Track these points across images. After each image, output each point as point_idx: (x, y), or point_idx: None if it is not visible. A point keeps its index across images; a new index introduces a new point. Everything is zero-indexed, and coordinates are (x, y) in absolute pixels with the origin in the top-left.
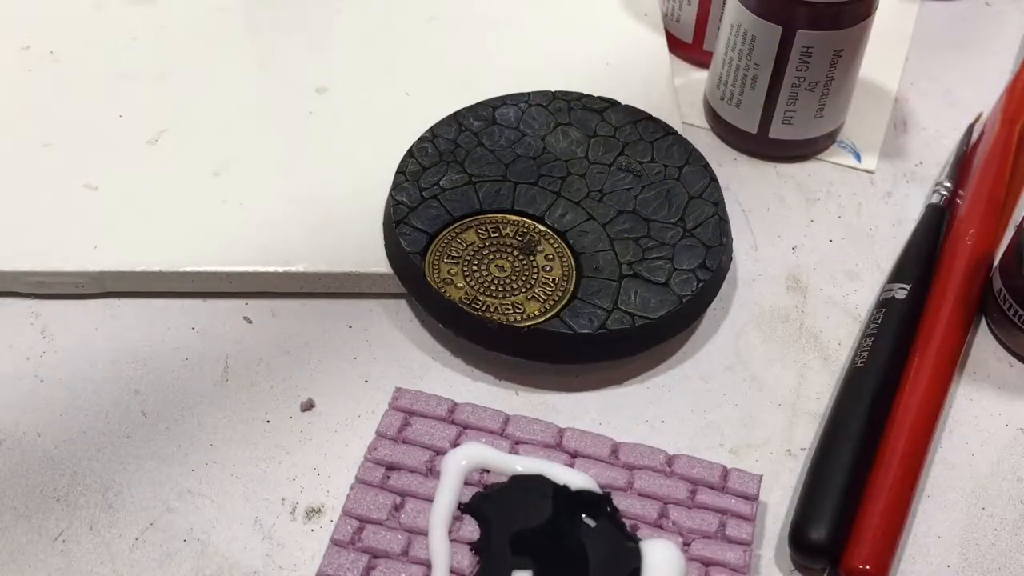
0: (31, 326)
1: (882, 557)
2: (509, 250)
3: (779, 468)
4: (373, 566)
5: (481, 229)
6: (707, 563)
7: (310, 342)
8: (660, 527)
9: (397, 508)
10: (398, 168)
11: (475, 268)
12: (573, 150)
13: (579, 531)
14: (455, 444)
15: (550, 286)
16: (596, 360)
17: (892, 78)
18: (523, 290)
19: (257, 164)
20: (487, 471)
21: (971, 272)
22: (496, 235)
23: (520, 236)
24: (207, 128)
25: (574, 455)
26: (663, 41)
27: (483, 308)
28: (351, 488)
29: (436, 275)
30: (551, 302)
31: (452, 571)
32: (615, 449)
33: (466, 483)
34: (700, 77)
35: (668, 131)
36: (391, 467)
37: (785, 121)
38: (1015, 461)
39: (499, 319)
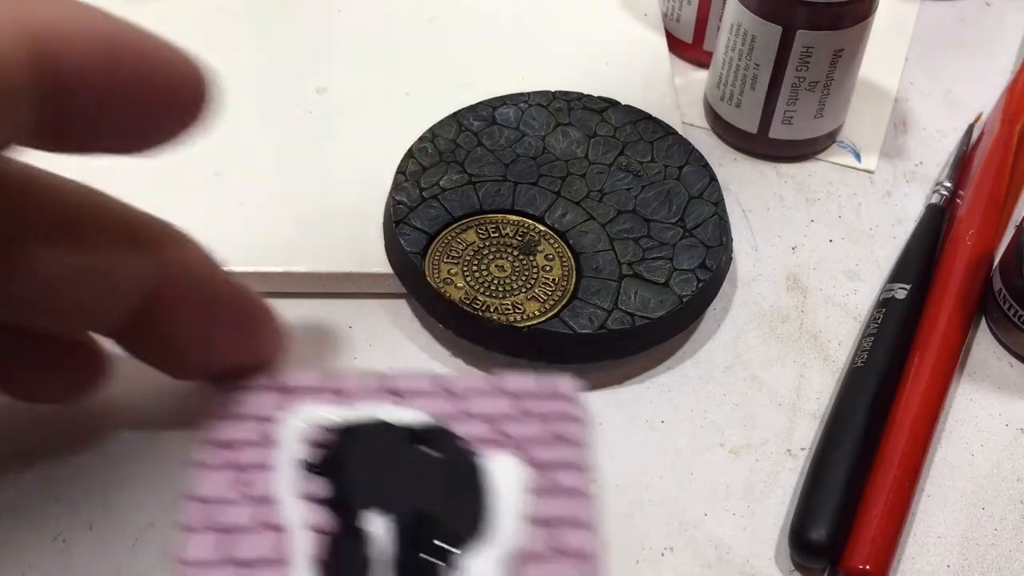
0: None
1: (882, 557)
2: (509, 250)
3: (779, 468)
4: (227, 542)
5: (481, 229)
6: (546, 465)
7: (310, 342)
8: (496, 443)
9: (240, 482)
10: (398, 168)
11: (475, 268)
12: (573, 150)
13: (421, 463)
14: (284, 409)
15: (550, 286)
16: (596, 360)
17: (892, 78)
18: (523, 290)
19: (257, 164)
20: (324, 427)
21: (971, 272)
22: (496, 235)
23: (520, 236)
24: (207, 128)
25: (402, 395)
26: (663, 41)
27: (483, 308)
28: (190, 473)
29: (436, 275)
30: (551, 302)
31: (308, 529)
32: (441, 382)
33: (306, 442)
34: (700, 77)
35: (668, 131)
36: (224, 444)
37: (785, 121)
38: (1015, 461)
39: (499, 319)
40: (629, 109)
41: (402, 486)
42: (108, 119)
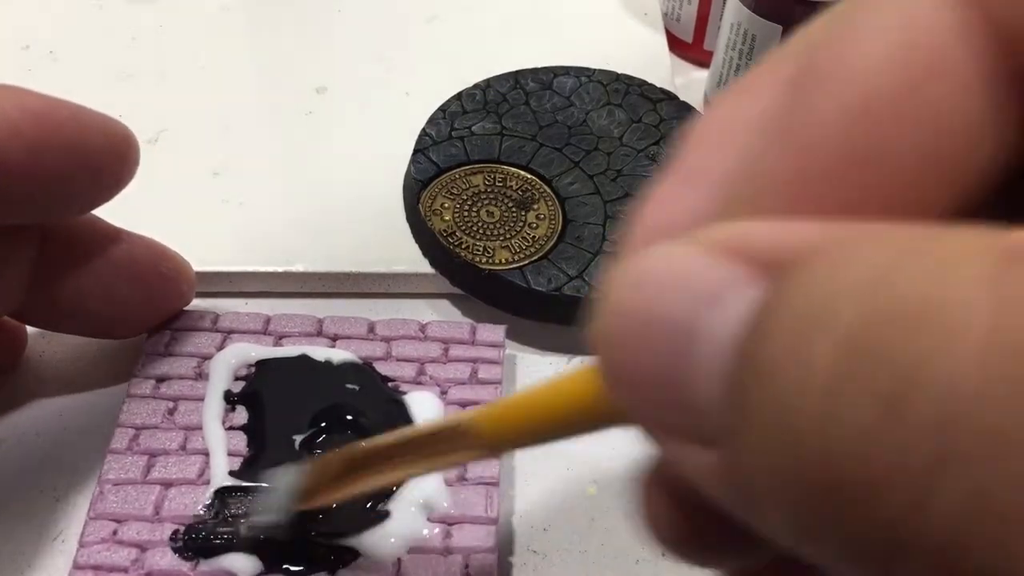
0: (32, 327)
1: None
2: (506, 201)
3: None
4: (152, 464)
5: (489, 176)
6: (464, 404)
7: None
8: (419, 383)
9: (171, 412)
10: (440, 106)
11: (467, 208)
12: (611, 129)
13: (344, 396)
14: (221, 348)
15: (528, 242)
16: (545, 320)
17: None
18: (502, 238)
19: (257, 164)
20: (254, 366)
21: None
22: (501, 184)
23: (522, 191)
24: (207, 128)
25: (335, 338)
26: (663, 41)
27: (457, 244)
28: (123, 403)
29: (429, 205)
30: (522, 255)
31: (229, 454)
32: (372, 327)
33: (238, 378)
34: (700, 77)
35: None
36: (161, 379)
37: None
38: None
39: (465, 256)
40: (684, 105)
41: (323, 415)
42: (35, 193)
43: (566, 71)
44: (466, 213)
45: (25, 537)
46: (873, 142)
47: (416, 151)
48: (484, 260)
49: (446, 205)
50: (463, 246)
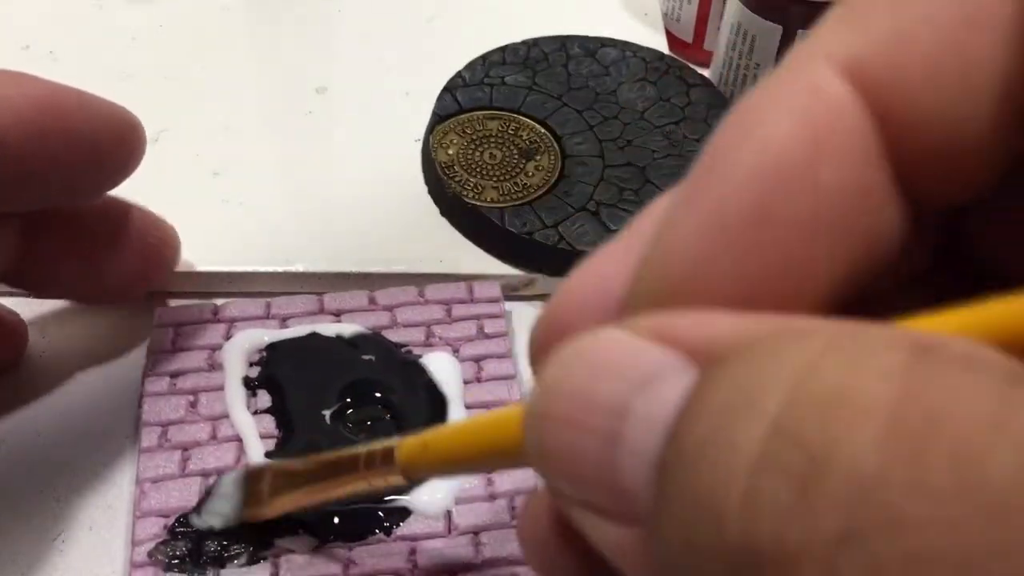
0: (31, 326)
1: None
2: (511, 147)
3: None
4: (188, 457)
5: (504, 123)
6: (478, 359)
7: None
8: (430, 345)
9: (193, 405)
10: (483, 54)
11: (473, 147)
12: (636, 103)
13: (362, 367)
14: (228, 338)
15: (518, 187)
16: (511, 261)
17: None
18: (495, 179)
19: (257, 164)
20: (265, 350)
21: None
22: (512, 132)
23: (530, 142)
24: (207, 128)
25: (338, 314)
26: (663, 41)
27: (451, 175)
28: (143, 402)
29: (439, 139)
30: (509, 198)
31: (261, 437)
32: (372, 298)
33: (252, 364)
34: None
35: None
36: (175, 374)
37: None
38: None
39: (455, 188)
40: (717, 93)
41: (347, 387)
42: (40, 180)
43: (613, 43)
44: (471, 152)
45: (25, 538)
46: (772, 205)
47: (445, 88)
48: (472, 195)
49: (454, 141)
50: (457, 179)
